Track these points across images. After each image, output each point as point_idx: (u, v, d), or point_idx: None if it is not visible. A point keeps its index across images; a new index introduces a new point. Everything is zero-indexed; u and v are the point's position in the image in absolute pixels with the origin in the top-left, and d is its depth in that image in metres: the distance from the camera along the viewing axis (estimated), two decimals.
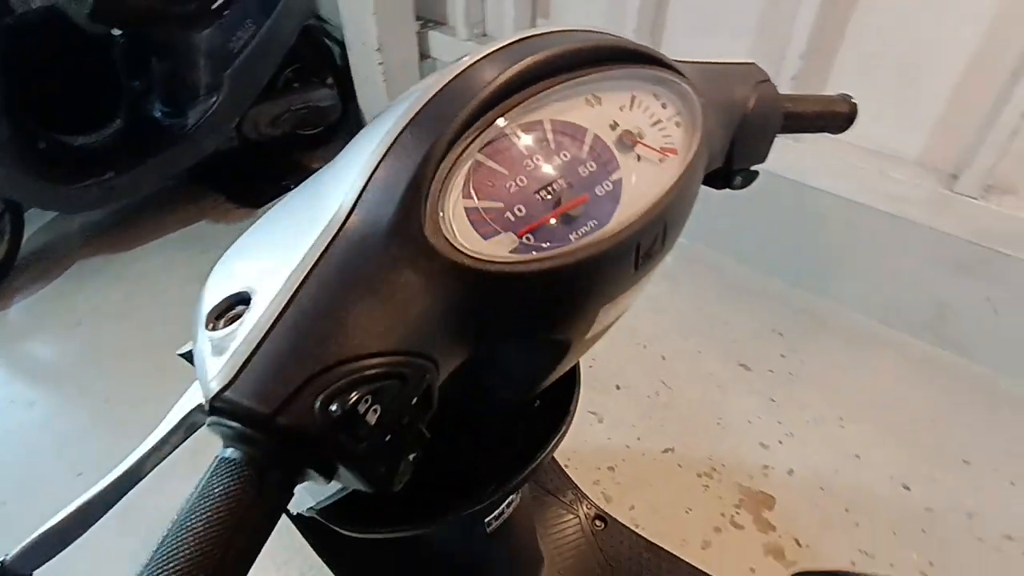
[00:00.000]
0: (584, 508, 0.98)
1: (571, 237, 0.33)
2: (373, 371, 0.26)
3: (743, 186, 0.50)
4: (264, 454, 0.26)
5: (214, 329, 0.29)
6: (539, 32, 0.38)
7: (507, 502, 0.73)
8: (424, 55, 2.27)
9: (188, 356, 0.33)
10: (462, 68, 0.34)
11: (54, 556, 0.32)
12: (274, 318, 0.28)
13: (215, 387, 0.27)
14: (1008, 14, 1.23)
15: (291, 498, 0.27)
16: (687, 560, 0.93)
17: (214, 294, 0.31)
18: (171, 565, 0.23)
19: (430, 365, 0.28)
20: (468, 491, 0.55)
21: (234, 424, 0.26)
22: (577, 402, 0.62)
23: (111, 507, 0.32)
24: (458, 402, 0.34)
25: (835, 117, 0.54)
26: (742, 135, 0.46)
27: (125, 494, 0.33)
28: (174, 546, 0.24)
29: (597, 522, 0.97)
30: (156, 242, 1.97)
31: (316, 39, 2.24)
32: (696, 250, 1.88)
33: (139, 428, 0.33)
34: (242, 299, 0.30)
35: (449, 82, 0.33)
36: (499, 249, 0.31)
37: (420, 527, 0.55)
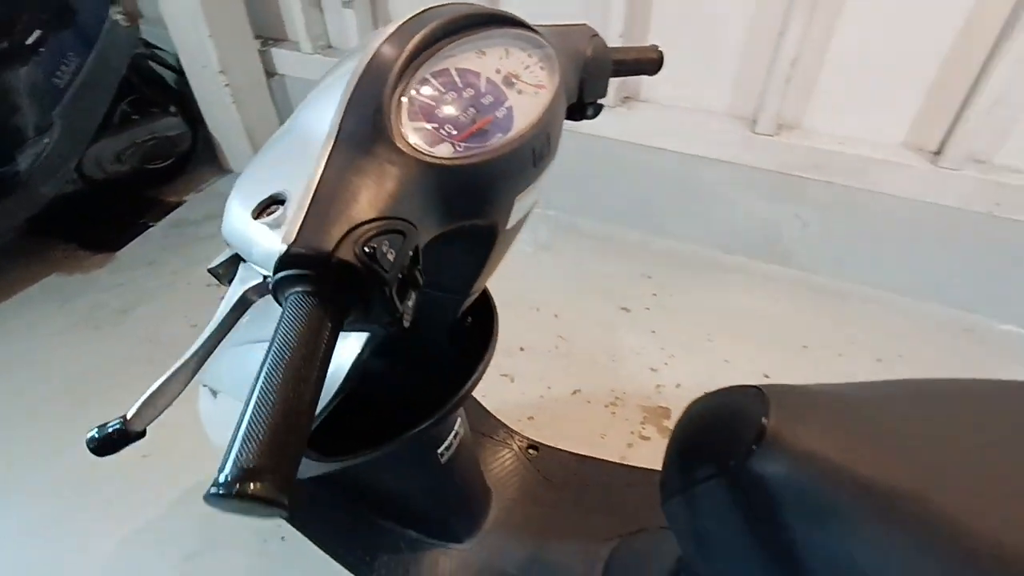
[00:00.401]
0: (517, 442, 1.10)
1: (487, 144, 0.45)
2: (384, 227, 0.36)
3: (594, 116, 0.64)
4: (324, 287, 0.35)
5: (262, 217, 0.37)
6: (426, 9, 0.49)
7: (453, 433, 0.83)
8: (271, 73, 2.25)
9: (216, 272, 0.41)
10: (383, 38, 0.44)
11: (160, 414, 0.41)
12: (310, 199, 0.38)
13: (282, 247, 0.36)
14: None
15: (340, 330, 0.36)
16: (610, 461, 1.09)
17: (248, 201, 0.41)
18: (275, 379, 0.31)
19: (414, 228, 0.38)
20: (419, 418, 0.65)
21: (300, 270, 0.35)
22: (497, 334, 0.74)
23: (196, 372, 0.44)
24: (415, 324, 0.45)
25: (649, 62, 0.71)
26: (586, 75, 0.60)
27: (204, 362, 0.44)
28: (273, 367, 0.32)
29: (530, 451, 1.09)
30: (4, 304, 1.78)
31: (148, 68, 2.14)
32: (567, 219, 2.08)
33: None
34: (276, 199, 0.39)
35: (379, 48, 0.43)
36: (443, 151, 0.43)
37: (390, 446, 0.63)
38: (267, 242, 0.38)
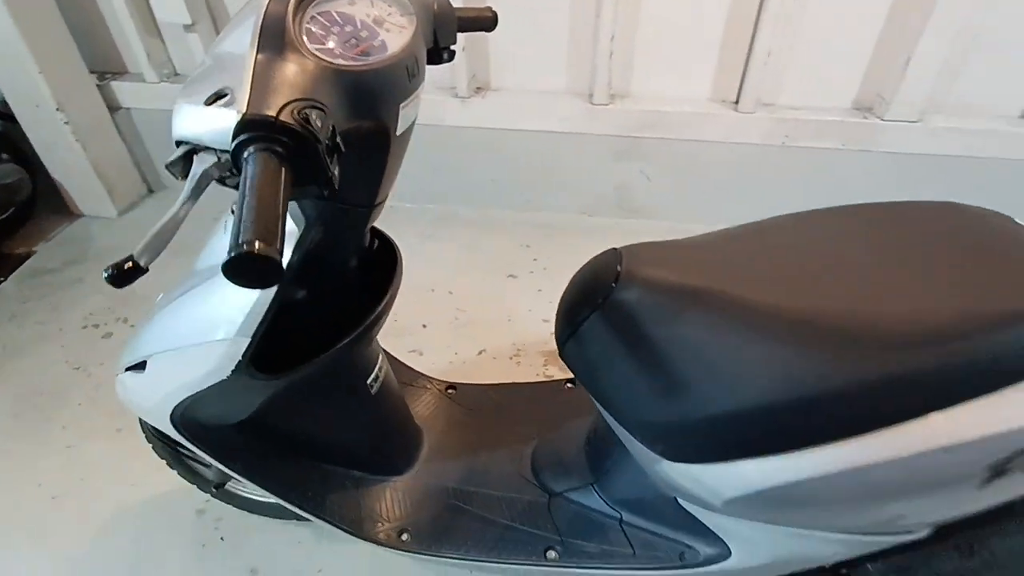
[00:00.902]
0: (435, 385, 1.20)
1: (371, 59, 0.57)
2: (309, 103, 0.47)
3: (450, 59, 0.78)
4: (273, 146, 0.45)
5: (214, 105, 0.47)
6: None
7: (378, 367, 0.93)
8: (114, 107, 2.17)
9: (174, 166, 0.49)
10: None
11: (158, 255, 0.48)
12: (249, 85, 0.48)
13: (237, 117, 0.47)
14: None
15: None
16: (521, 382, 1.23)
17: (197, 98, 0.51)
18: (255, 197, 0.41)
19: (329, 110, 0.50)
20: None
21: (254, 132, 0.46)
22: (402, 267, 0.86)
23: (180, 224, 0.50)
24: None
25: (485, 19, 0.87)
26: (437, 25, 0.74)
27: (184, 218, 0.50)
28: (247, 207, 0.41)
29: (449, 390, 1.21)
30: None
31: None
32: (444, 209, 2.22)
33: None
34: (220, 94, 0.48)
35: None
36: (340, 62, 0.54)
37: (326, 357, 0.73)
38: (223, 119, 0.49)
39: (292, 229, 0.66)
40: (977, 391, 0.59)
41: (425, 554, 0.95)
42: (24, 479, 1.35)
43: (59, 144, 2.04)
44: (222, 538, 1.25)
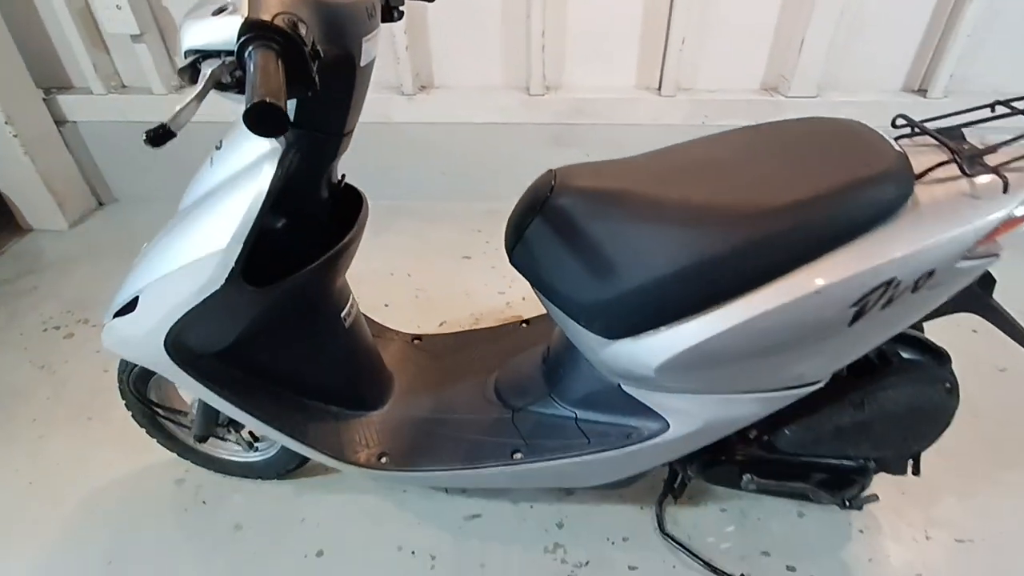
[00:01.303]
0: (401, 337, 1.31)
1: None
2: (295, 15, 0.60)
3: (399, 18, 0.91)
4: (271, 44, 0.57)
5: (220, 15, 0.59)
6: None
7: (350, 303, 1.03)
8: (60, 121, 2.19)
9: (184, 73, 0.60)
10: None
11: (186, 123, 0.58)
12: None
13: (240, 20, 0.58)
14: None
15: None
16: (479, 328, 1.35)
17: (203, 11, 0.63)
18: (259, 80, 0.53)
19: (306, 24, 0.61)
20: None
21: (255, 32, 0.57)
22: (367, 204, 0.97)
23: (203, 98, 0.61)
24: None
25: None
26: None
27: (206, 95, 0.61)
28: (258, 76, 0.53)
29: (415, 341, 1.31)
30: None
31: None
32: (397, 204, 2.32)
33: None
34: (223, 8, 0.60)
35: None
36: None
37: (309, 268, 0.83)
38: (228, 26, 0.61)
39: (275, 147, 0.76)
40: (834, 244, 0.76)
41: (403, 470, 1.04)
42: None
43: (7, 158, 2.05)
44: (204, 501, 1.30)
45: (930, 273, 0.77)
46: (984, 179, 0.77)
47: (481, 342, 1.28)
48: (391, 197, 2.32)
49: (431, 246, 2.13)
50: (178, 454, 1.29)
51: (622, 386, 0.95)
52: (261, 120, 0.52)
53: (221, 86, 0.63)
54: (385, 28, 1.96)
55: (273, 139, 0.76)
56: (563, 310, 0.87)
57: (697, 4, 1.92)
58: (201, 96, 0.59)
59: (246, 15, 0.59)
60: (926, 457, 1.03)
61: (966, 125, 0.86)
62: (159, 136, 0.55)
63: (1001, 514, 1.23)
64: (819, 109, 2.08)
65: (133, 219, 2.31)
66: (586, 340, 0.88)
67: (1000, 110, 0.87)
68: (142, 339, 0.89)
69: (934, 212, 0.77)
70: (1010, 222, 0.76)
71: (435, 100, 2.16)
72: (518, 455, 1.01)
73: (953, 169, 0.78)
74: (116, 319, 0.92)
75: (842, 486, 1.02)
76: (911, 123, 0.87)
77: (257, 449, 1.28)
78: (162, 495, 1.32)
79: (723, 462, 1.01)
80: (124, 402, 1.19)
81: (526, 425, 1.05)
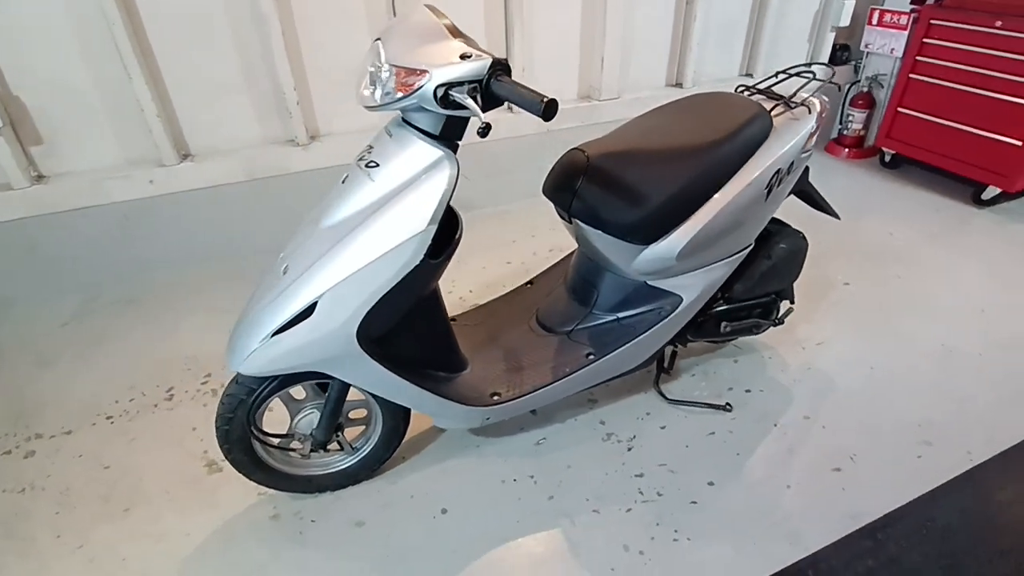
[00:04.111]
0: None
1: None
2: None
3: None
4: (505, 71, 0.91)
5: (464, 61, 0.92)
6: None
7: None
8: None
9: (431, 104, 0.90)
10: None
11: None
12: (481, 50, 0.91)
13: (490, 59, 0.93)
14: None
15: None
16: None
17: (449, 59, 0.94)
18: (527, 91, 0.88)
19: None
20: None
21: (499, 67, 0.92)
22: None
23: None
24: None
25: None
26: None
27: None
28: (523, 91, 0.88)
29: (453, 320, 1.58)
30: None
31: None
32: None
33: None
34: (465, 55, 0.94)
35: None
36: None
37: (449, 251, 1.13)
38: (475, 64, 0.92)
39: (447, 150, 1.05)
40: (749, 156, 1.32)
41: (514, 399, 1.34)
42: None
43: None
44: (312, 520, 1.38)
45: (791, 164, 1.39)
46: (800, 110, 1.41)
47: (505, 305, 1.61)
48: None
49: None
50: (278, 488, 1.37)
51: (648, 282, 1.40)
52: (551, 110, 0.86)
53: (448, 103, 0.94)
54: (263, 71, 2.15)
55: (443, 145, 1.05)
56: (614, 235, 1.30)
57: (524, 47, 2.51)
58: (473, 107, 0.90)
59: (491, 58, 0.91)
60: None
61: (771, 86, 1.51)
62: (486, 130, 0.85)
63: (832, 323, 1.99)
64: (622, 107, 2.83)
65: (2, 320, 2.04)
66: (629, 253, 1.32)
67: (781, 77, 1.55)
68: (326, 338, 1.06)
69: (786, 130, 1.38)
70: (816, 129, 1.42)
71: (326, 146, 2.37)
72: (591, 356, 1.40)
73: (783, 108, 1.41)
74: (278, 335, 1.06)
75: (767, 315, 1.63)
76: (748, 88, 1.50)
77: (356, 449, 1.42)
78: (269, 534, 1.36)
79: (707, 319, 1.54)
80: (226, 447, 1.25)
81: (583, 338, 1.44)
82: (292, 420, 1.33)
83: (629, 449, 1.55)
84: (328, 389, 1.26)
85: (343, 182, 1.13)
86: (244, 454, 1.28)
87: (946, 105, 2.74)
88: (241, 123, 2.26)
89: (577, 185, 1.28)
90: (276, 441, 1.30)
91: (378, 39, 1.04)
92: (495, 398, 1.34)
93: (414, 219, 1.04)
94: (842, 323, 2.00)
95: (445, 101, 0.94)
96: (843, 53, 3.29)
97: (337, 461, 1.42)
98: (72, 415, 1.69)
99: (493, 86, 0.94)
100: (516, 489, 1.46)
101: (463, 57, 0.95)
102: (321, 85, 2.32)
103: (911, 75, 2.85)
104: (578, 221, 1.33)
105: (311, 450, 1.32)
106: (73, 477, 1.50)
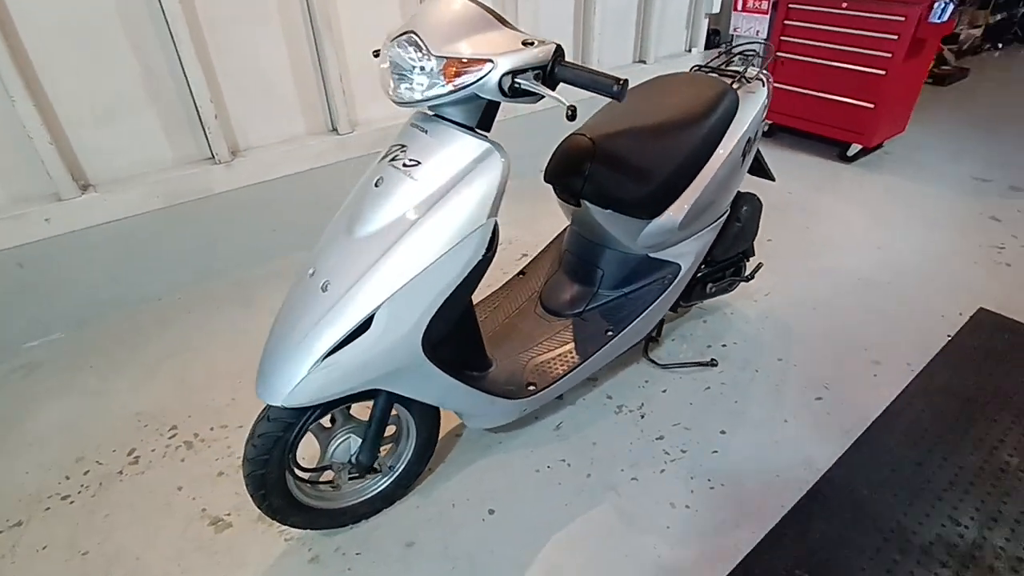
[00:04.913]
0: None
1: None
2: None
3: None
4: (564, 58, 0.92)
5: (531, 46, 0.92)
6: None
7: None
8: None
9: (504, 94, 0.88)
10: None
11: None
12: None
13: (554, 46, 0.93)
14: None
15: None
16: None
17: (514, 46, 0.92)
18: (597, 74, 0.89)
19: None
20: None
21: (561, 53, 0.92)
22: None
23: None
24: None
25: None
26: None
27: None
28: (591, 74, 0.89)
29: None
30: None
31: None
32: (234, 278, 2.23)
33: None
34: (528, 42, 0.93)
35: None
36: None
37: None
38: (540, 50, 0.92)
39: (492, 145, 1.02)
40: (725, 128, 1.44)
41: (548, 387, 1.35)
42: None
43: None
44: (357, 553, 1.29)
45: (756, 131, 1.53)
46: (754, 84, 1.56)
47: (504, 299, 1.61)
48: (217, 278, 2.23)
49: None
50: (315, 527, 1.26)
51: (649, 255, 1.48)
52: (625, 89, 0.88)
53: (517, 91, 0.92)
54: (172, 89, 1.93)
55: (486, 138, 1.03)
56: (625, 212, 1.35)
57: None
58: (543, 91, 0.89)
59: (553, 45, 0.92)
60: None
61: (720, 65, 1.66)
62: (573, 114, 0.85)
63: (771, 275, 2.22)
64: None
65: None
66: (635, 228, 1.39)
67: (726, 57, 1.70)
68: (389, 351, 1.00)
69: (749, 103, 1.52)
70: (768, 99, 1.58)
71: (249, 161, 2.18)
72: (610, 333, 1.44)
73: (740, 82, 1.55)
74: (331, 357, 0.98)
75: (739, 272, 1.78)
76: (703, 67, 1.63)
77: (391, 469, 1.34)
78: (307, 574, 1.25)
79: (695, 282, 1.65)
80: (260, 494, 1.13)
81: (597, 316, 1.48)
82: (325, 451, 1.23)
83: (642, 416, 1.63)
84: (372, 408, 1.19)
85: (376, 186, 1.06)
86: (281, 498, 1.17)
87: (810, 78, 3.15)
88: (148, 143, 2.00)
89: (587, 168, 1.32)
90: (317, 476, 1.19)
91: (409, 32, 0.99)
92: (531, 388, 1.35)
93: (474, 213, 1.01)
94: (779, 273, 2.24)
95: (510, 89, 0.93)
96: (715, 37, 3.65)
97: (372, 485, 1.34)
98: (14, 506, 1.41)
99: (558, 71, 0.95)
100: (553, 475, 1.47)
101: (526, 44, 0.94)
102: (236, 94, 2.12)
103: (777, 53, 3.24)
104: (588, 203, 1.36)
105: (351, 477, 1.23)
106: (48, 574, 1.26)
